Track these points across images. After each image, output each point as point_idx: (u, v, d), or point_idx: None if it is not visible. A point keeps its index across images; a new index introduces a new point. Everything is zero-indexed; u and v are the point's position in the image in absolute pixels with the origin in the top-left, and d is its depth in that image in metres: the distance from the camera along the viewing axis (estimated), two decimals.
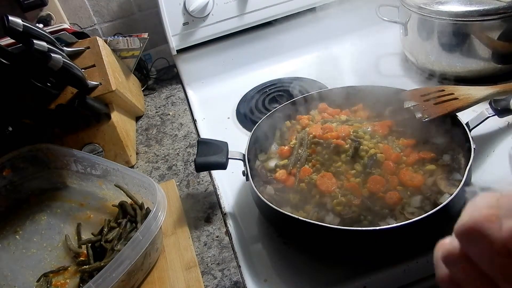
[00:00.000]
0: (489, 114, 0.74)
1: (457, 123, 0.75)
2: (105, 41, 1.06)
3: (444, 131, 0.76)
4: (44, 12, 1.16)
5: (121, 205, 0.80)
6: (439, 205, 0.61)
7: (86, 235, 0.80)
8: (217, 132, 1.03)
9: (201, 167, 0.79)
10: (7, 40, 0.92)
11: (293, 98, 0.89)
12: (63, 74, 0.83)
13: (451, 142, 0.75)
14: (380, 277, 0.65)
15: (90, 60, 0.97)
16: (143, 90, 1.27)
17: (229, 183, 0.87)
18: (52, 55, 0.80)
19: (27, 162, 0.91)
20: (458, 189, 0.62)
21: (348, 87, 0.88)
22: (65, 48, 0.94)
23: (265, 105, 1.08)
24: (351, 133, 0.76)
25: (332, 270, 0.67)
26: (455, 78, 0.98)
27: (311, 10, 1.29)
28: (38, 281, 0.74)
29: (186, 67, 1.27)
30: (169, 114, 1.16)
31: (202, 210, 0.83)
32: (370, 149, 0.73)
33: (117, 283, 0.61)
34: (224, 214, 0.81)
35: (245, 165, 0.76)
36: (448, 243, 0.31)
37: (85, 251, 0.76)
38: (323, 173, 0.72)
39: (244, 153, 0.78)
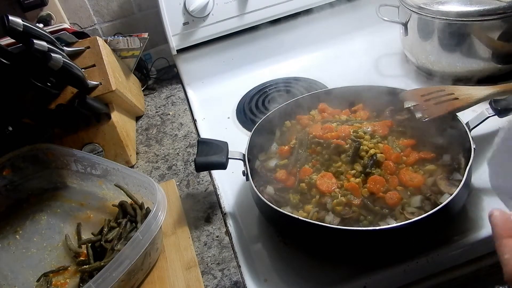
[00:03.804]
0: (489, 114, 0.74)
1: (457, 123, 0.75)
2: (105, 41, 1.06)
3: (444, 131, 0.76)
4: (44, 12, 1.16)
5: (121, 205, 0.80)
6: (439, 205, 0.61)
7: (86, 235, 0.80)
8: (217, 132, 1.03)
9: (201, 167, 0.79)
10: (7, 40, 0.92)
11: (293, 98, 0.89)
12: (63, 74, 0.83)
13: (451, 142, 0.75)
14: (380, 277, 0.65)
15: (90, 60, 0.97)
16: (143, 90, 1.27)
17: (229, 183, 0.87)
18: (52, 55, 0.80)
19: (27, 162, 0.91)
20: (458, 189, 0.62)
21: (348, 87, 0.88)
22: (65, 48, 0.94)
23: (265, 105, 1.08)
24: (351, 133, 0.76)
25: (332, 270, 0.67)
26: (455, 78, 0.98)
27: (311, 10, 1.29)
28: (38, 280, 0.74)
29: (186, 67, 1.27)
30: (169, 114, 1.16)
31: (202, 210, 0.83)
32: (370, 149, 0.73)
33: (117, 283, 0.61)
34: (224, 214, 0.81)
35: (245, 165, 0.76)
36: None
37: (85, 251, 0.76)
38: (323, 173, 0.72)
39: (244, 153, 0.78)
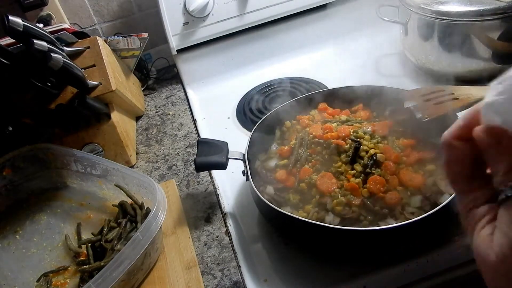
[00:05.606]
0: None
1: None
2: (105, 41, 1.06)
3: (444, 131, 0.76)
4: (44, 12, 1.16)
5: (121, 205, 0.80)
6: (439, 205, 0.61)
7: (86, 235, 0.80)
8: (217, 132, 1.03)
9: (201, 167, 0.79)
10: (7, 40, 0.92)
11: (293, 98, 0.89)
12: (63, 74, 0.83)
13: None
14: (380, 277, 0.65)
15: (90, 60, 0.97)
16: (143, 90, 1.27)
17: (229, 183, 0.87)
18: (52, 55, 0.80)
19: (27, 162, 0.91)
20: None
21: (348, 87, 0.88)
22: (65, 48, 0.94)
23: (265, 105, 1.08)
24: (351, 133, 0.76)
25: (332, 270, 0.67)
26: (455, 78, 0.97)
27: (311, 10, 1.29)
28: (38, 281, 0.74)
29: (186, 67, 1.27)
30: (169, 114, 1.16)
31: (202, 210, 0.83)
32: (370, 149, 0.73)
33: (117, 283, 0.61)
34: (224, 214, 0.81)
35: (245, 165, 0.76)
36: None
37: (85, 251, 0.76)
38: (323, 173, 0.72)
39: (244, 153, 0.78)
